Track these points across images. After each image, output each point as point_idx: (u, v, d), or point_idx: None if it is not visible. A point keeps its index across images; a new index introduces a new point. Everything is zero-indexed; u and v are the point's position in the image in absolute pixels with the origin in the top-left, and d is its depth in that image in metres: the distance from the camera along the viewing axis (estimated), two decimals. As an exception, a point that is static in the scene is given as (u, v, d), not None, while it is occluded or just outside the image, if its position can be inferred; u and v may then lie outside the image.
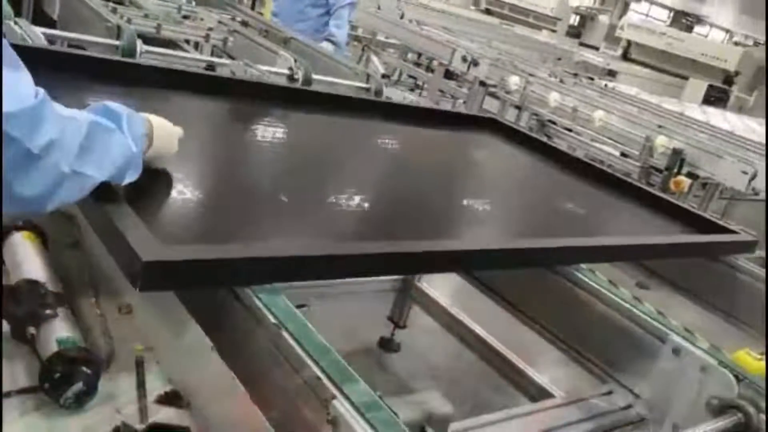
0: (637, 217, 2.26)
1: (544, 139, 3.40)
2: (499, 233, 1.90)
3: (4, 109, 0.91)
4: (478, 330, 2.75)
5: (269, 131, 2.28)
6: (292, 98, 2.45)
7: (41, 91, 0.99)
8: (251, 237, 1.36)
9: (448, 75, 6.84)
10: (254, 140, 2.05)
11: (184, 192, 1.43)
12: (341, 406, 0.95)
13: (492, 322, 2.52)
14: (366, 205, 1.71)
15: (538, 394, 2.36)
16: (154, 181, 1.39)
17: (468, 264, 1.63)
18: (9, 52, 0.95)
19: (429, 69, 7.30)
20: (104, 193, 1.17)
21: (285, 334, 1.06)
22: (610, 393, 1.60)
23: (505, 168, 2.64)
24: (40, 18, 3.61)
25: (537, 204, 2.22)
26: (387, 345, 3.29)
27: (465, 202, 1.98)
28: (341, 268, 1.30)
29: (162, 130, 1.33)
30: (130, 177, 1.22)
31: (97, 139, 1.09)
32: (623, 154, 4.91)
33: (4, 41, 0.94)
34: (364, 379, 1.00)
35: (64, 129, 1.02)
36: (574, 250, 1.68)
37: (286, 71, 3.11)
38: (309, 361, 1.02)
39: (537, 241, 1.67)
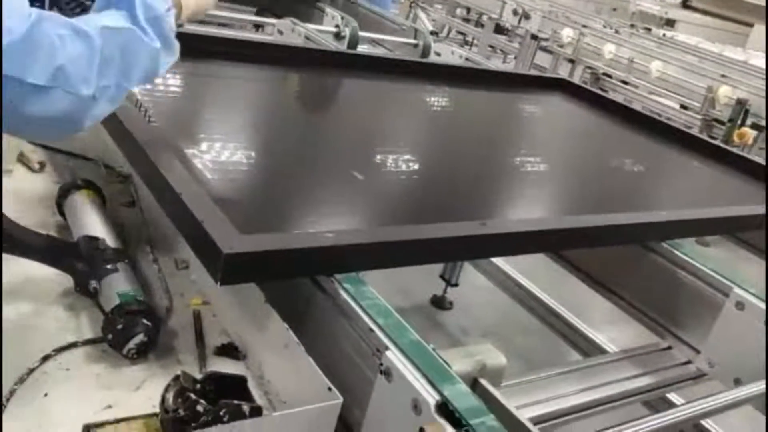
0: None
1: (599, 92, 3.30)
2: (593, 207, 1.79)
3: None
4: (532, 287, 2.73)
5: (337, 96, 2.28)
6: (347, 63, 2.43)
7: (34, 12, 0.87)
8: (332, 218, 1.30)
9: (498, 30, 6.67)
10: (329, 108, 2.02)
11: (250, 167, 1.41)
12: (394, 356, 0.95)
13: (546, 279, 2.49)
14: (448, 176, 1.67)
15: (592, 350, 2.33)
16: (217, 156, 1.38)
17: (564, 244, 1.55)
18: None
19: (478, 24, 7.12)
20: (173, 171, 1.14)
21: (338, 288, 1.07)
22: (669, 348, 1.57)
23: (584, 132, 2.56)
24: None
25: (623, 170, 2.12)
26: (439, 303, 3.31)
27: (547, 169, 1.91)
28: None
29: None
30: (165, 65, 1.10)
31: (114, 48, 0.97)
32: (683, 107, 4.73)
33: None
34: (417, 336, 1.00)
35: (69, 51, 0.90)
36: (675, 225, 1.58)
37: (332, 29, 3.08)
38: (362, 314, 1.02)
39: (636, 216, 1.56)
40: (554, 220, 1.53)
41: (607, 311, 1.92)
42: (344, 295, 1.06)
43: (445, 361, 0.96)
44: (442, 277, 3.19)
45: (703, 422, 1.82)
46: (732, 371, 1.40)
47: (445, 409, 0.88)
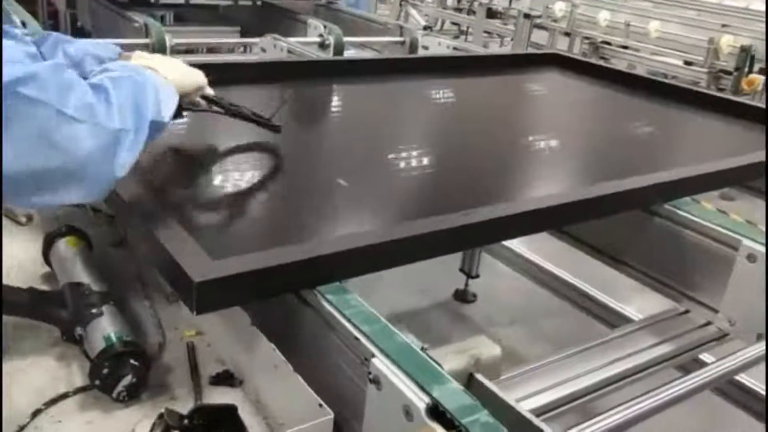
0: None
1: (602, 62, 3.23)
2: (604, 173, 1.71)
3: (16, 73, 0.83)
4: (552, 268, 2.68)
5: (323, 106, 2.26)
6: (332, 71, 2.41)
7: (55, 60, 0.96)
8: (312, 230, 1.27)
9: (491, 14, 6.60)
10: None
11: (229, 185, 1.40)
12: (381, 363, 0.91)
13: (561, 256, 2.43)
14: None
15: (620, 322, 2.27)
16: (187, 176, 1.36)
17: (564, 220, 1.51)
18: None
19: (470, 12, 7.06)
20: (142, 204, 1.14)
21: (321, 300, 1.04)
22: (686, 312, 1.51)
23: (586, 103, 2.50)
24: (79, 32, 3.72)
25: (629, 135, 2.07)
26: (462, 296, 3.26)
27: (548, 144, 1.87)
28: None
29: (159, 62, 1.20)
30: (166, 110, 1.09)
31: (122, 93, 1.00)
32: (687, 63, 4.62)
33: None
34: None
35: (95, 95, 0.95)
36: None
37: (316, 39, 3.06)
38: (346, 323, 0.99)
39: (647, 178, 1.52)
40: (547, 198, 1.47)
41: (624, 282, 1.86)
42: (327, 306, 1.02)
43: (435, 362, 0.93)
44: (461, 270, 3.14)
45: (737, 378, 1.75)
46: (753, 327, 1.34)
47: (436, 411, 0.85)
